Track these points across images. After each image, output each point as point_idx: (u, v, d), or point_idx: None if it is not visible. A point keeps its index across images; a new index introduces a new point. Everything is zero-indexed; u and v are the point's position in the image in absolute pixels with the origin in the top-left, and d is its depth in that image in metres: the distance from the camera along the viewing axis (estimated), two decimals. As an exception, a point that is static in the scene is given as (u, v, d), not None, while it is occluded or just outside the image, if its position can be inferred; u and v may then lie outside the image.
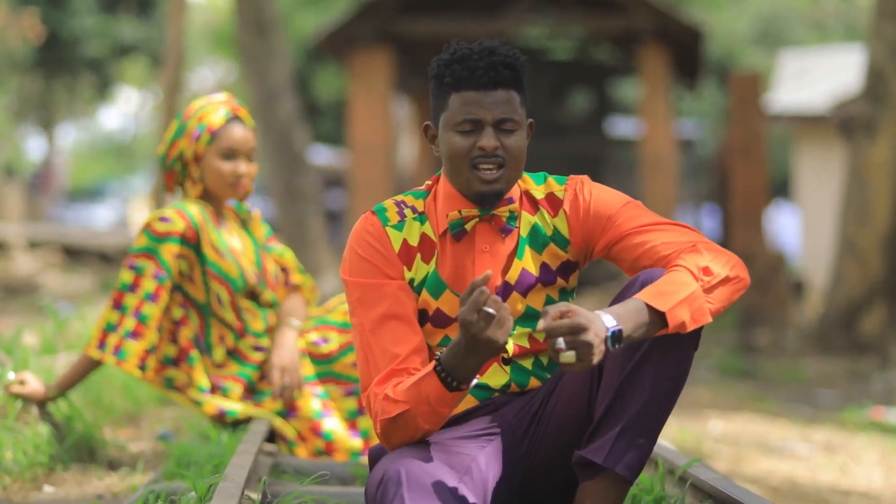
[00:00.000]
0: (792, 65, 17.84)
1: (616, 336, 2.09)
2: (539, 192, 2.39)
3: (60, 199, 28.78)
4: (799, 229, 16.10)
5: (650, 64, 13.66)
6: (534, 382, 2.37)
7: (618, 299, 2.25)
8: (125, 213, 28.55)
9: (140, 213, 25.73)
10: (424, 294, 2.33)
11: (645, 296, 2.16)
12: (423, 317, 2.34)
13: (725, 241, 12.03)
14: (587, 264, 2.43)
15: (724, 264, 2.25)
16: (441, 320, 2.34)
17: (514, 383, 2.37)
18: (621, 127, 19.34)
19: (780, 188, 24.03)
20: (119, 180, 36.57)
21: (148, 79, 29.93)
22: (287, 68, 10.70)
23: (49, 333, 4.86)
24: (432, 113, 2.36)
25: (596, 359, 2.05)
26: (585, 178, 2.41)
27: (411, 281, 2.33)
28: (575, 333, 2.04)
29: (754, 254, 9.47)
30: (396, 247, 2.33)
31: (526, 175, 2.40)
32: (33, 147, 32.36)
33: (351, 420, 3.44)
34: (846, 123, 11.81)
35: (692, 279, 2.19)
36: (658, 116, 13.61)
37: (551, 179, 2.40)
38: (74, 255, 13.34)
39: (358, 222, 2.36)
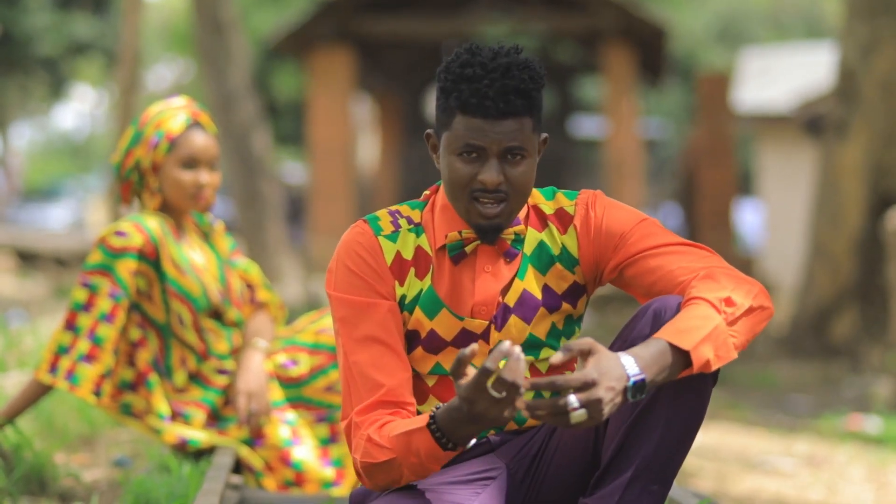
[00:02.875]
0: (754, 63, 17.80)
1: (638, 386, 1.88)
2: (548, 208, 2.20)
3: (14, 199, 28.21)
4: (763, 229, 16.03)
5: (614, 62, 13.53)
6: (533, 420, 2.17)
7: (628, 329, 2.06)
8: (81, 213, 28.02)
9: (97, 214, 25.30)
10: (418, 312, 2.13)
11: (666, 334, 1.95)
12: (413, 339, 2.14)
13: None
14: (595, 289, 2.23)
15: (745, 293, 2.05)
16: (434, 344, 2.13)
17: (511, 420, 2.14)
18: (585, 127, 19.23)
19: (741, 185, 24.15)
20: (74, 180, 35.99)
21: (103, 77, 29.47)
22: (246, 70, 10.54)
23: (-1, 349, 4.60)
24: (436, 122, 2.16)
25: (607, 414, 1.84)
26: (599, 192, 2.22)
27: (402, 298, 2.13)
28: (586, 389, 1.84)
29: (723, 256, 9.35)
30: (389, 259, 2.13)
31: (535, 190, 2.20)
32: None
33: (323, 448, 3.21)
34: (813, 123, 11.72)
35: (714, 312, 1.99)
36: (623, 116, 13.47)
37: (561, 195, 2.21)
38: (28, 259, 12.98)
39: (347, 231, 2.16)
